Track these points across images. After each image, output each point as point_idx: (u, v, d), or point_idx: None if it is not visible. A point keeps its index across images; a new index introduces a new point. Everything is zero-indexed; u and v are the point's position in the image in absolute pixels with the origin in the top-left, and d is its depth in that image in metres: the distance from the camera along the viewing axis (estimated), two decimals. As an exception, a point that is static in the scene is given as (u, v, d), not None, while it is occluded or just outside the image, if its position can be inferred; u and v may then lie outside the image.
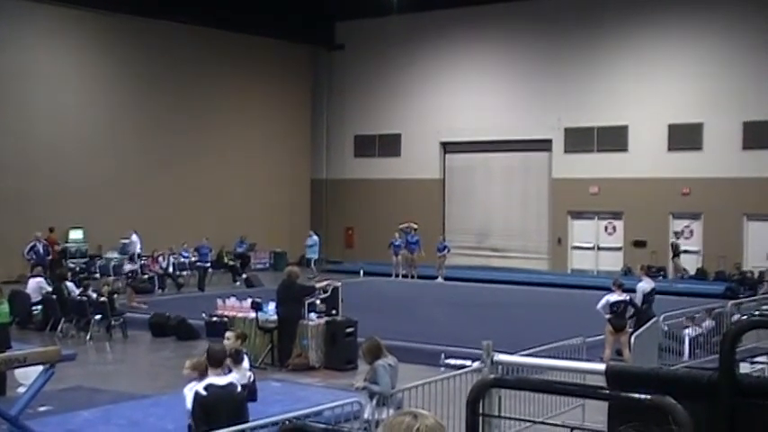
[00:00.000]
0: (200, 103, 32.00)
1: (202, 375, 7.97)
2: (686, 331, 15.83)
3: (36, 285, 19.42)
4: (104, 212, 28.04)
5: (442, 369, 13.43)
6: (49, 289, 19.25)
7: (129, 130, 29.92)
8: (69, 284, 19.39)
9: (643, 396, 3.21)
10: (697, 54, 28.46)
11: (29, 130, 27.26)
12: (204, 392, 7.43)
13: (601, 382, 4.05)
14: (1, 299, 13.22)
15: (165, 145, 30.78)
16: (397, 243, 30.09)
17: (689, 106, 28.34)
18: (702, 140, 28.31)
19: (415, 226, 30.24)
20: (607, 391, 3.62)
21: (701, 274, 28.08)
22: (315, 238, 31.11)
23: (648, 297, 15.97)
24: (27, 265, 24.08)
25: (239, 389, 8.12)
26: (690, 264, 28.62)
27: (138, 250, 27.04)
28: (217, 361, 7.70)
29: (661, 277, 26.58)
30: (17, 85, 27.21)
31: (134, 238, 27.20)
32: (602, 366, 4.00)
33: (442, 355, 14.56)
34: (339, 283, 16.21)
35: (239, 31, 31.69)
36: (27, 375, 11.56)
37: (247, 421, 8.47)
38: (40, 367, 9.27)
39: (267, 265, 32.59)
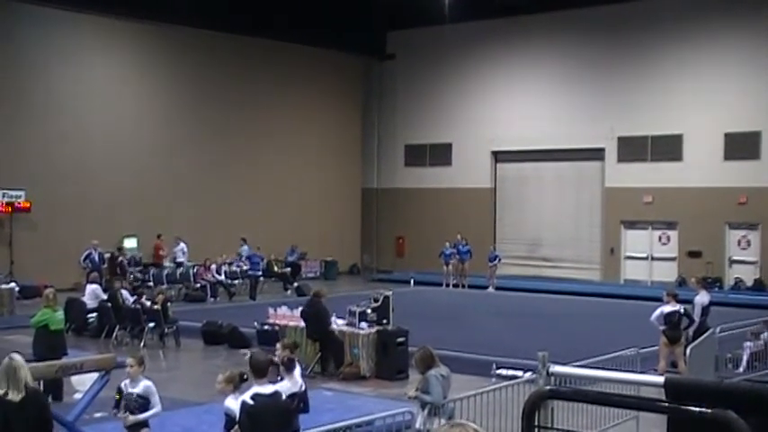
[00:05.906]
0: (252, 112, 32.28)
1: (236, 389, 7.97)
2: (746, 344, 15.50)
3: (92, 292, 19.72)
4: (158, 221, 28.38)
5: (493, 379, 13.34)
6: (105, 296, 19.55)
7: (184, 140, 30.28)
8: (124, 292, 19.68)
9: (704, 410, 3.13)
10: (754, 61, 27.91)
11: (86, 139, 27.73)
12: (251, 402, 7.38)
13: (656, 394, 3.96)
14: (57, 306, 13.40)
15: (216, 154, 31.08)
16: (447, 252, 29.99)
17: (746, 114, 27.82)
18: (760, 149, 27.78)
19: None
20: (666, 404, 3.54)
21: (758, 285, 27.54)
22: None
23: (706, 310, 15.70)
24: (82, 274, 24.47)
25: (284, 397, 8.12)
26: (747, 274, 28.09)
27: (183, 258, 27.46)
28: (260, 371, 7.65)
29: (717, 288, 26.11)
30: (75, 96, 27.70)
31: (180, 246, 27.66)
32: (660, 379, 3.92)
33: (493, 366, 14.44)
34: (390, 293, 16.19)
35: (291, 41, 31.90)
36: (83, 382, 11.76)
37: (297, 430, 8.47)
38: (96, 374, 9.39)
39: (318, 273, 32.69)
